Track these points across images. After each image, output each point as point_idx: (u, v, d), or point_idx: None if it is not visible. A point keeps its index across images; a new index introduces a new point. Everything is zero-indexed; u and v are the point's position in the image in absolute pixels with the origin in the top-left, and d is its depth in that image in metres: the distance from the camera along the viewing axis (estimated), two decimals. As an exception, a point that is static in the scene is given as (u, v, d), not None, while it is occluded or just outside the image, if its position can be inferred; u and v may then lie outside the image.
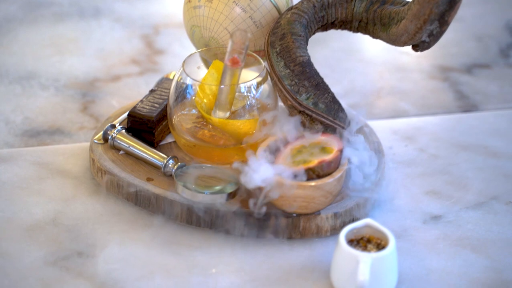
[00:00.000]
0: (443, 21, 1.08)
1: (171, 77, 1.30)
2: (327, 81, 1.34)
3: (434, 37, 1.10)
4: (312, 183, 1.08)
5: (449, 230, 1.15)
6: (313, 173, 1.08)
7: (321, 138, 1.13)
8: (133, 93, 1.39)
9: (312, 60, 1.19)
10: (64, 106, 1.36)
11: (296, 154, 1.11)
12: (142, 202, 1.15)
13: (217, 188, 1.11)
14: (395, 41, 1.14)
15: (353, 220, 1.13)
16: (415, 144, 1.29)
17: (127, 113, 1.24)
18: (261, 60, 1.17)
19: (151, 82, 1.40)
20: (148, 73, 1.43)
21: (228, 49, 1.10)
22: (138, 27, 1.53)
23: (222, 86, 1.12)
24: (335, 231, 1.12)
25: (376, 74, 1.44)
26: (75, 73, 1.43)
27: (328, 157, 1.09)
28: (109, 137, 1.19)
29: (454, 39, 1.52)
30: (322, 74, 1.39)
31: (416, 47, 1.13)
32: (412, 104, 1.38)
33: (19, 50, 1.47)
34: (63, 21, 1.54)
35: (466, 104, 1.38)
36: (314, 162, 1.09)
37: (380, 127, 1.31)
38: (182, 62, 1.17)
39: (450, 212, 1.17)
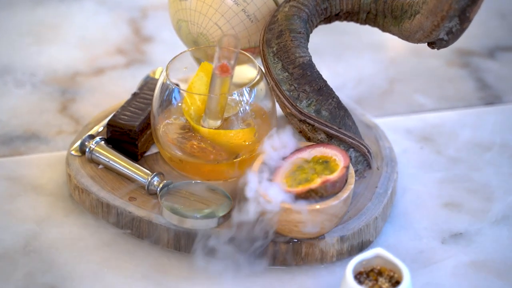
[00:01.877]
0: (464, 18, 0.94)
1: (156, 76, 1.16)
2: (330, 70, 1.21)
3: (453, 35, 0.96)
4: (315, 206, 0.94)
5: (472, 252, 1.01)
6: (315, 195, 0.95)
7: (325, 150, 0.99)
8: (117, 89, 1.25)
9: (312, 44, 1.05)
10: (41, 106, 1.22)
11: (296, 170, 0.98)
12: (124, 225, 1.02)
13: (207, 211, 0.98)
14: (408, 38, 1.00)
15: (362, 243, 1.00)
16: (432, 145, 1.15)
17: (108, 118, 1.10)
18: (255, 62, 1.03)
19: (138, 75, 1.26)
20: (135, 65, 1.29)
21: (216, 56, 0.96)
22: (124, 10, 1.39)
23: (211, 95, 0.99)
24: (342, 256, 0.99)
25: (388, 61, 1.29)
26: (55, 66, 1.29)
27: (332, 176, 0.95)
28: (87, 150, 1.06)
29: (475, 18, 1.37)
30: (324, 61, 1.25)
31: (432, 45, 0.99)
32: (428, 96, 1.24)
33: (-8, 40, 1.34)
34: (42, 5, 1.39)
35: (489, 95, 1.24)
36: (317, 182, 0.95)
37: (392, 126, 1.17)
38: (166, 65, 1.03)
39: (473, 228, 1.04)
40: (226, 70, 0.94)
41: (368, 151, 1.03)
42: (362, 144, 1.01)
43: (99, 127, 1.10)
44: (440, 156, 1.13)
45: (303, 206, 0.94)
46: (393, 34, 1.02)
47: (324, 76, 1.08)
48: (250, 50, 1.08)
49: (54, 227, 1.03)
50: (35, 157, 1.13)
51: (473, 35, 1.33)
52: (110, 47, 1.32)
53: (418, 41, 0.98)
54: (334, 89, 1.06)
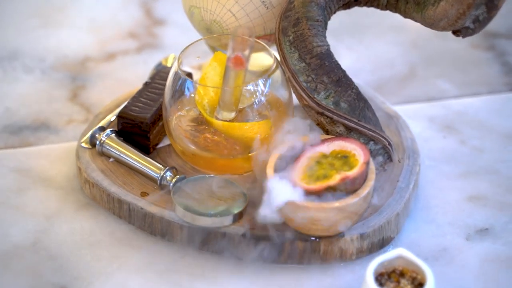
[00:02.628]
0: (491, 5, 0.89)
1: (168, 63, 1.12)
2: (348, 53, 1.16)
3: (480, 24, 0.91)
4: (334, 204, 0.91)
5: (498, 248, 0.97)
6: (334, 192, 0.91)
7: (344, 144, 0.95)
8: (129, 75, 1.21)
9: (330, 25, 1.00)
10: (51, 94, 1.18)
11: (314, 165, 0.94)
12: (136, 221, 0.98)
13: (221, 208, 0.94)
14: (432, 25, 0.95)
15: (383, 240, 0.96)
16: (455, 134, 1.11)
17: (119, 109, 1.07)
18: (271, 51, 0.98)
19: (149, 61, 1.22)
20: (147, 50, 1.25)
21: (229, 48, 0.92)
22: (136, -9, 1.35)
23: (225, 88, 0.94)
24: (362, 253, 0.96)
25: (409, 44, 1.25)
26: (64, 50, 1.25)
27: (352, 172, 0.91)
28: (97, 143, 1.02)
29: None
30: (342, 44, 1.21)
31: (457, 33, 0.94)
32: (451, 81, 1.19)
33: None
34: (51, -14, 1.36)
35: (515, 80, 1.19)
36: (335, 178, 0.91)
37: (413, 114, 1.13)
38: (178, 54, 0.99)
39: (498, 223, 0.99)
40: (240, 63, 0.90)
41: (389, 143, 0.98)
42: (382, 137, 0.97)
43: (110, 117, 1.06)
44: (463, 146, 1.09)
45: (321, 203, 0.90)
46: (416, 21, 0.97)
47: (343, 60, 1.04)
48: (265, 38, 1.04)
49: (64, 223, 1.00)
50: (44, 148, 1.10)
51: (499, 15, 1.27)
52: (121, 30, 1.28)
53: (443, 29, 0.94)
54: (352, 74, 1.02)
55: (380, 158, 0.98)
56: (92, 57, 1.23)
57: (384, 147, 0.98)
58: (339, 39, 1.23)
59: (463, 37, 0.94)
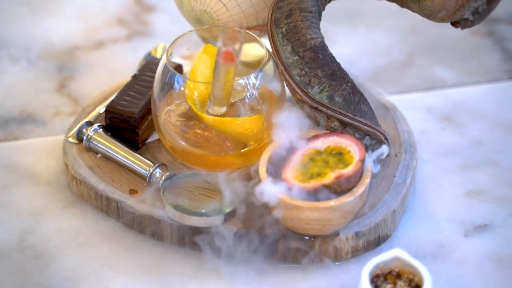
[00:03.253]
0: (491, -3, 0.86)
1: (158, 54, 1.08)
2: (344, 40, 1.13)
3: (479, 16, 0.88)
4: (329, 204, 0.88)
5: (498, 245, 0.94)
6: (329, 191, 0.88)
7: (339, 140, 0.92)
8: (118, 65, 1.17)
9: (325, 10, 0.97)
10: (37, 85, 1.15)
11: (308, 163, 0.91)
12: (125, 219, 0.96)
13: (213, 207, 0.91)
14: (430, 16, 0.92)
15: (379, 237, 0.94)
16: (454, 126, 1.07)
17: (107, 102, 1.03)
18: (263, 43, 0.95)
19: (139, 49, 1.18)
20: (137, 38, 1.21)
21: (219, 42, 0.88)
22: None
23: (215, 84, 0.91)
24: (358, 252, 0.93)
25: (407, 30, 1.21)
26: (52, 39, 1.21)
27: (347, 170, 0.88)
28: (84, 138, 0.99)
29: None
30: (338, 30, 1.18)
31: (456, 24, 0.91)
32: (450, 69, 1.16)
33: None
34: (39, -29, 1.32)
35: (515, 68, 1.16)
36: (330, 177, 0.88)
37: (411, 104, 1.10)
38: (168, 46, 0.95)
39: (498, 219, 0.97)
40: (230, 58, 0.86)
41: (386, 138, 0.95)
42: (378, 131, 0.94)
43: (99, 111, 1.03)
44: (462, 138, 1.06)
45: (315, 203, 0.87)
46: (413, 11, 0.94)
47: (338, 48, 1.01)
48: (257, 28, 1.00)
49: (51, 221, 0.97)
50: (31, 142, 1.06)
51: None
52: (110, 17, 1.24)
53: (441, 20, 0.90)
54: (348, 62, 0.99)
55: (376, 153, 0.95)
56: (80, 46, 1.20)
57: (380, 142, 0.95)
58: (334, 25, 1.20)
59: (462, 28, 0.90)
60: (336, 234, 0.91)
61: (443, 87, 1.13)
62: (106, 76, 1.15)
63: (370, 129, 0.93)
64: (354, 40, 1.20)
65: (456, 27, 0.91)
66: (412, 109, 1.09)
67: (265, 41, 0.98)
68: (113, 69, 1.16)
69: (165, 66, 0.93)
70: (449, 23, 0.92)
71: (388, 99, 1.06)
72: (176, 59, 1.02)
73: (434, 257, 0.93)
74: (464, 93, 1.12)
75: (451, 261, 0.93)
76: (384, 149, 0.92)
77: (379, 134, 0.94)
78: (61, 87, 1.14)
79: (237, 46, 0.87)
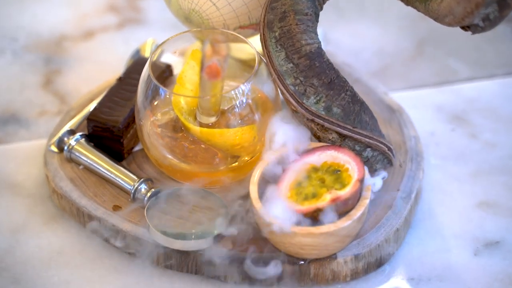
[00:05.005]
0: (504, 4, 0.77)
1: (146, 52, 1.01)
2: (348, 30, 1.05)
3: (490, 22, 0.79)
4: (324, 229, 0.81)
5: (510, 265, 0.87)
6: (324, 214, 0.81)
7: (336, 155, 0.85)
8: (108, 57, 1.10)
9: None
10: (22, 80, 1.08)
11: (303, 181, 0.84)
12: (108, 237, 0.89)
13: (201, 229, 0.84)
14: (437, 19, 0.83)
15: (381, 258, 0.87)
16: (466, 126, 1.00)
17: (93, 104, 0.96)
18: (253, 47, 0.87)
19: (131, 39, 1.11)
20: (129, 26, 1.14)
21: (202, 56, 0.80)
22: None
23: (205, 98, 0.84)
24: (357, 275, 0.86)
25: (417, 16, 1.12)
26: (38, 28, 1.14)
27: (344, 192, 0.81)
28: (65, 148, 0.92)
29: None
30: (342, 19, 1.09)
31: (466, 28, 0.82)
32: (462, 61, 1.07)
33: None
34: (27, -49, 1.24)
35: (534, 59, 1.07)
36: (325, 199, 0.81)
37: (419, 101, 1.02)
38: (153, 49, 0.88)
39: (511, 235, 0.90)
40: (215, 74, 0.79)
41: (389, 149, 0.88)
42: (381, 142, 0.87)
43: (82, 115, 0.96)
44: (474, 140, 0.98)
45: (309, 229, 0.80)
46: (419, 11, 0.86)
47: (342, 37, 0.93)
48: (251, 27, 0.92)
49: (31, 238, 0.91)
50: (13, 147, 1.00)
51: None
52: (100, 3, 1.16)
53: (448, 25, 0.82)
54: (352, 53, 0.91)
55: (378, 165, 0.88)
56: (68, 35, 1.12)
57: (382, 153, 0.88)
58: (338, 14, 1.12)
59: (473, 33, 0.82)
60: (334, 257, 0.84)
61: (455, 82, 1.05)
62: (95, 70, 1.08)
63: (371, 141, 0.86)
64: (360, 27, 1.11)
65: (466, 31, 0.82)
66: (421, 107, 1.01)
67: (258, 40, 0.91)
68: (103, 62, 1.09)
69: (148, 78, 0.86)
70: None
71: (394, 100, 0.98)
72: (167, 57, 0.95)
73: (440, 280, 0.86)
74: (478, 88, 1.04)
75: (459, 284, 0.86)
76: (383, 174, 0.85)
77: (381, 145, 0.87)
78: (47, 82, 1.07)
79: (222, 59, 0.79)
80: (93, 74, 1.08)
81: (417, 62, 1.07)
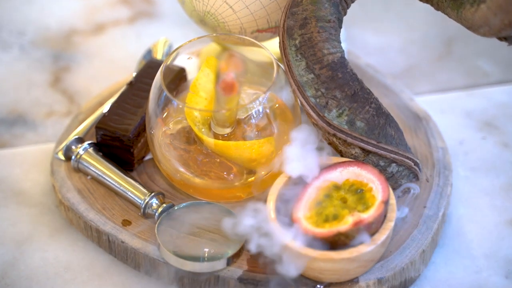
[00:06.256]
0: (543, 16, 0.71)
1: (158, 52, 0.95)
2: (373, 27, 0.99)
3: (528, 34, 0.73)
4: (345, 255, 0.76)
5: (544, 290, 0.82)
6: (346, 238, 0.76)
7: (359, 172, 0.79)
8: (119, 53, 1.05)
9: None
10: (30, 78, 1.03)
11: (323, 200, 0.78)
12: (117, 253, 0.85)
13: (214, 249, 0.79)
14: (471, 28, 0.78)
15: (405, 281, 0.82)
16: (497, 134, 0.94)
17: (103, 108, 0.91)
18: (271, 55, 0.81)
19: (143, 34, 1.06)
20: (141, 20, 1.08)
21: (218, 70, 0.75)
22: None
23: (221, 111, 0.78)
24: (380, 299, 0.82)
25: (443, 16, 1.06)
26: (47, 21, 1.08)
27: (367, 214, 0.76)
28: (72, 157, 0.87)
29: None
30: (366, 16, 1.03)
31: (503, 39, 0.77)
32: (494, 62, 1.01)
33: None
34: None
35: None
36: (347, 222, 0.76)
37: (448, 106, 0.96)
38: (166, 55, 0.83)
39: (545, 256, 0.85)
40: (230, 90, 0.74)
41: (415, 163, 0.83)
42: (407, 157, 0.81)
43: (91, 121, 0.91)
44: (507, 150, 0.92)
45: (329, 254, 0.75)
46: (451, 18, 0.80)
47: (365, 36, 0.87)
48: (270, 31, 0.87)
49: (36, 251, 0.86)
50: (19, 151, 0.95)
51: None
52: (113, -5, 1.11)
53: (483, 35, 0.76)
54: (377, 52, 0.85)
55: (403, 181, 0.82)
56: (78, 30, 1.07)
57: (408, 168, 0.82)
58: (361, 9, 1.06)
59: (509, 44, 0.76)
60: (356, 281, 0.80)
61: (486, 85, 0.99)
62: (106, 68, 1.03)
63: (397, 156, 0.81)
64: (385, 25, 1.06)
65: (501, 41, 0.77)
66: (449, 112, 0.95)
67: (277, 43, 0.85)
68: (114, 59, 1.04)
69: (159, 87, 0.80)
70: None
71: (421, 106, 0.92)
72: (182, 59, 0.90)
73: (468, 305, 0.81)
74: (511, 92, 0.98)
75: (488, 309, 0.81)
76: (413, 187, 0.79)
77: (407, 160, 0.81)
78: (56, 80, 1.02)
79: (238, 73, 0.74)
80: (103, 72, 1.03)
81: (445, 62, 1.01)
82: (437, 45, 1.03)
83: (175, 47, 0.99)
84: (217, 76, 0.74)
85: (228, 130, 0.82)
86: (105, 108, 0.91)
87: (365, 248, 0.75)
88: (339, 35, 0.80)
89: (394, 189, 0.81)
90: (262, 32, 0.86)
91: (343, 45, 0.85)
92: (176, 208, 0.83)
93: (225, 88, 0.73)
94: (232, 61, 0.73)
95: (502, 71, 1.00)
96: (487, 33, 0.74)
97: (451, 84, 0.99)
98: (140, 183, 0.85)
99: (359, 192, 0.78)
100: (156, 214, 0.83)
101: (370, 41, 1.03)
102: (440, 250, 0.85)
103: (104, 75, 1.02)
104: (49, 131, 0.97)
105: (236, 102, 0.77)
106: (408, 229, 0.82)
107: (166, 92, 0.79)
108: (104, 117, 0.86)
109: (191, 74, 0.91)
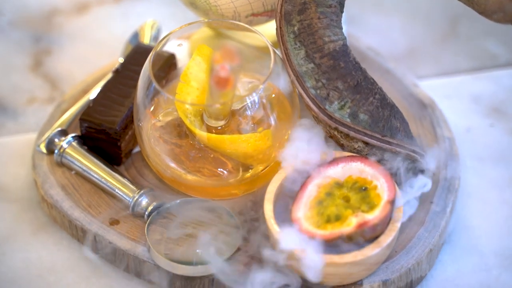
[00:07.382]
0: None
1: (145, 36, 0.89)
2: (375, 5, 0.94)
3: (546, 22, 0.68)
4: (349, 259, 0.71)
5: (556, 290, 0.78)
6: (350, 241, 0.71)
7: (363, 168, 0.74)
8: (104, 34, 0.99)
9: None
10: (10, 62, 0.97)
11: (324, 199, 0.73)
12: (104, 254, 0.80)
13: (208, 252, 0.73)
14: (482, 13, 0.72)
15: (411, 282, 0.77)
16: (506, 120, 0.89)
17: (87, 96, 0.85)
18: (268, 43, 0.76)
19: (130, 13, 1.00)
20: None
21: (212, 63, 0.69)
22: None
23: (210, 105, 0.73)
24: (385, 301, 0.77)
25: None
26: (26, 0, 1.03)
27: (372, 215, 0.71)
28: (55, 151, 0.82)
29: None
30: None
31: (515, 25, 0.71)
32: (502, 43, 0.96)
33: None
34: None
35: None
36: (351, 224, 0.71)
37: (453, 91, 0.91)
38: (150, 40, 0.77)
39: (558, 252, 0.80)
40: (224, 84, 0.68)
41: (422, 157, 0.77)
42: (413, 151, 0.76)
43: (74, 111, 0.85)
44: (515, 138, 0.88)
45: (332, 258, 0.71)
46: (463, 2, 0.74)
47: (366, 16, 0.82)
48: (265, 15, 0.81)
49: (18, 251, 0.81)
50: (-2, 142, 0.90)
51: None
52: (96, -29, 1.05)
53: (497, 21, 0.71)
54: (378, 33, 0.80)
55: (409, 175, 0.77)
56: (60, 9, 1.01)
57: (414, 161, 0.77)
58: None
59: (523, 31, 0.71)
60: (359, 283, 0.75)
61: (493, 68, 0.93)
62: (90, 50, 0.97)
63: (402, 150, 0.76)
64: (385, 3, 1.00)
65: (516, 27, 0.72)
66: (455, 97, 0.90)
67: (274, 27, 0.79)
68: (98, 41, 0.98)
69: (147, 78, 0.75)
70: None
71: (425, 92, 0.87)
72: (173, 44, 0.84)
73: (478, 306, 0.77)
74: (519, 75, 0.93)
75: (499, 310, 0.77)
76: (424, 181, 0.74)
77: (413, 154, 0.76)
78: (37, 64, 0.96)
79: (233, 66, 0.68)
80: (87, 54, 0.97)
81: (450, 43, 0.96)
82: (441, 24, 0.97)
83: (163, 29, 0.93)
84: (211, 67, 0.68)
85: (222, 123, 0.77)
86: (90, 96, 0.85)
87: (370, 251, 0.70)
88: (341, 21, 0.74)
89: (399, 184, 0.77)
90: (257, 16, 0.80)
91: (343, 29, 0.79)
92: (167, 205, 0.77)
93: (219, 83, 0.67)
94: (227, 52, 0.67)
95: (511, 52, 0.95)
96: (502, 19, 0.69)
97: (457, 67, 0.94)
98: (128, 179, 0.79)
99: (363, 190, 0.73)
100: (146, 212, 0.78)
101: (370, 21, 0.97)
102: (447, 247, 0.80)
103: (88, 58, 0.96)
104: (31, 119, 0.92)
105: (231, 96, 0.71)
106: (413, 227, 0.77)
107: (155, 84, 0.73)
108: (88, 108, 0.81)
109: (181, 61, 0.85)
